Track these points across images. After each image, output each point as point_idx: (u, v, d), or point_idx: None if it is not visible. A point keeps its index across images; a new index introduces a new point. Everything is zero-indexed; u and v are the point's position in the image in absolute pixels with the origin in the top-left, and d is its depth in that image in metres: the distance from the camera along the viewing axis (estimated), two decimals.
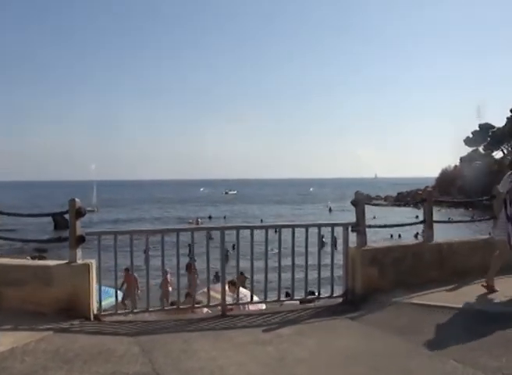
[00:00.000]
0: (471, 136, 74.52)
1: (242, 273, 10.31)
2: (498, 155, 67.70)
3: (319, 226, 6.90)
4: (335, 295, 6.99)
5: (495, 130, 68.33)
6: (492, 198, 7.68)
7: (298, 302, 7.56)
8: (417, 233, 33.31)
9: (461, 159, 74.28)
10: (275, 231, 7.48)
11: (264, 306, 7.99)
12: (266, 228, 6.74)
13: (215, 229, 6.87)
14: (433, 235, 7.38)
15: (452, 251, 7.35)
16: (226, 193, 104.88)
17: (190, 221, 48.00)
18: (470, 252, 7.43)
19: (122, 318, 6.31)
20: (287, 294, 8.53)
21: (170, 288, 14.73)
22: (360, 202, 6.93)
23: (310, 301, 7.31)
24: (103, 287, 6.27)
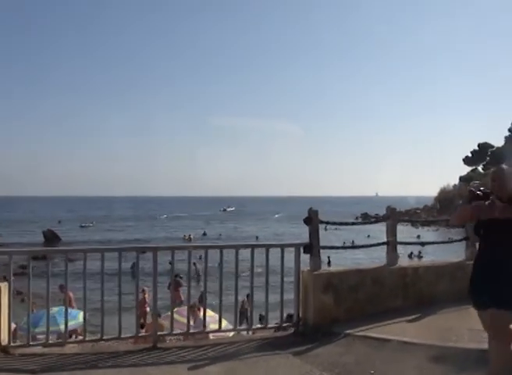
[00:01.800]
0: (470, 155, 73.97)
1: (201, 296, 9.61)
2: None
3: (268, 246, 6.19)
4: (285, 325, 6.26)
5: (494, 149, 67.74)
6: None
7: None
8: (412, 253, 32.42)
9: (460, 178, 73.61)
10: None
11: (231, 333, 7.29)
12: (221, 248, 6.02)
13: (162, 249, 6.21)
14: (397, 258, 6.66)
15: (417, 277, 6.63)
16: (224, 210, 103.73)
17: (186, 238, 47.21)
18: (437, 278, 6.70)
19: (36, 350, 5.57)
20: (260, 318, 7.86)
21: (148, 308, 13.93)
22: (313, 220, 6.23)
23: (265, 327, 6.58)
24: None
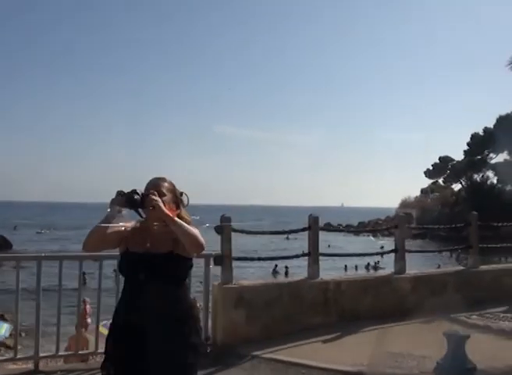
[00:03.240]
0: (431, 168, 75.02)
1: None
2: (457, 187, 68.19)
3: None
4: None
5: (454, 163, 68.82)
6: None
7: None
8: (369, 264, 32.24)
9: (421, 191, 74.64)
10: None
11: None
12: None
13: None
14: (318, 271, 6.12)
15: (340, 292, 6.10)
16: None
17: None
18: (361, 293, 6.20)
19: None
20: None
21: (89, 320, 13.10)
22: (225, 228, 5.64)
23: None
24: None
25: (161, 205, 2.45)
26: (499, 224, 8.25)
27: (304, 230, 6.13)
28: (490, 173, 58.79)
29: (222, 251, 5.64)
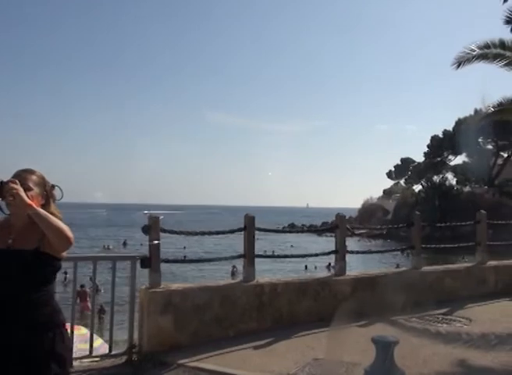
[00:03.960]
0: (393, 169, 76.27)
1: None
2: (418, 188, 69.44)
3: (95, 259, 5.17)
4: (115, 353, 5.25)
5: (415, 164, 70.12)
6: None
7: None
8: (330, 264, 32.27)
9: (384, 192, 75.83)
10: None
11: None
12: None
13: None
14: (254, 273, 5.85)
15: (275, 295, 5.84)
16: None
17: (105, 247, 44.55)
18: (299, 296, 5.96)
19: None
20: None
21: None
22: (153, 229, 5.30)
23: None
24: None
25: (22, 194, 2.13)
26: (443, 225, 8.16)
27: (239, 230, 5.85)
28: (450, 175, 60.21)
29: (150, 252, 5.31)
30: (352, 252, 6.95)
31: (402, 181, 76.06)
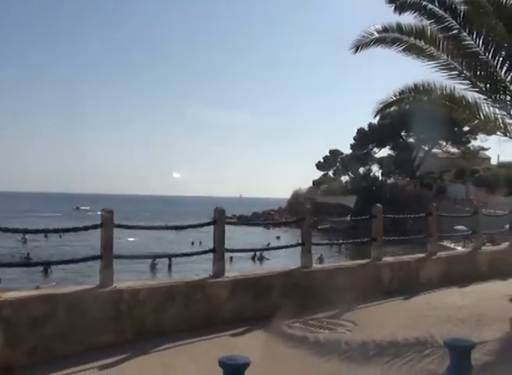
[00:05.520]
0: (322, 161, 77.37)
1: None
2: (346, 179, 70.96)
3: None
4: None
5: (343, 156, 71.45)
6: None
7: None
8: (255, 255, 31.68)
9: (313, 182, 76.80)
10: None
11: None
12: None
13: None
14: (112, 278, 5.04)
15: (137, 302, 5.06)
16: (77, 208, 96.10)
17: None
18: (165, 302, 5.22)
19: None
20: None
21: None
22: None
23: None
24: None
25: None
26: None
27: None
28: (375, 167, 61.92)
29: None
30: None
31: (330, 172, 77.34)
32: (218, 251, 5.71)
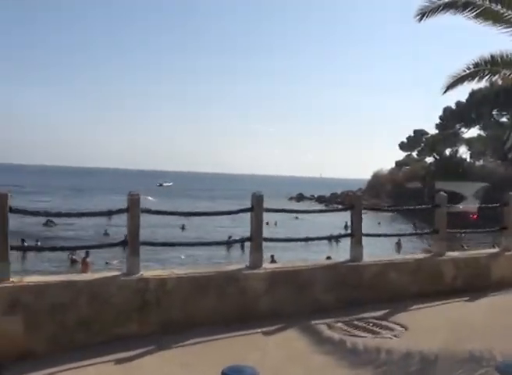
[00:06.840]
0: (405, 141, 74.02)
1: None
2: (431, 160, 67.50)
3: None
4: None
5: (428, 136, 67.92)
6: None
7: None
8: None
9: (396, 163, 73.85)
10: None
11: None
12: None
13: None
14: (138, 266, 4.80)
15: (165, 292, 4.80)
16: (160, 185, 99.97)
17: None
18: (197, 293, 4.91)
19: None
20: None
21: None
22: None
23: None
24: None
25: None
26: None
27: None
28: (463, 148, 58.11)
29: None
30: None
31: (414, 153, 73.89)
32: (255, 240, 5.30)
